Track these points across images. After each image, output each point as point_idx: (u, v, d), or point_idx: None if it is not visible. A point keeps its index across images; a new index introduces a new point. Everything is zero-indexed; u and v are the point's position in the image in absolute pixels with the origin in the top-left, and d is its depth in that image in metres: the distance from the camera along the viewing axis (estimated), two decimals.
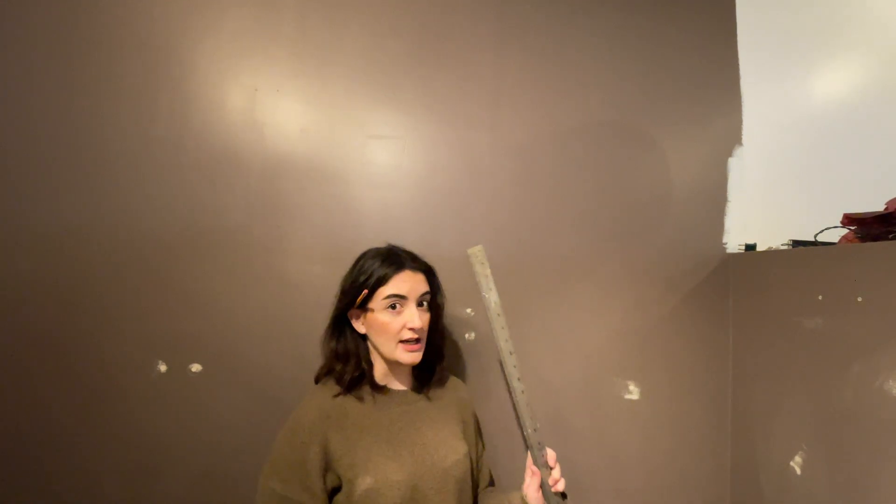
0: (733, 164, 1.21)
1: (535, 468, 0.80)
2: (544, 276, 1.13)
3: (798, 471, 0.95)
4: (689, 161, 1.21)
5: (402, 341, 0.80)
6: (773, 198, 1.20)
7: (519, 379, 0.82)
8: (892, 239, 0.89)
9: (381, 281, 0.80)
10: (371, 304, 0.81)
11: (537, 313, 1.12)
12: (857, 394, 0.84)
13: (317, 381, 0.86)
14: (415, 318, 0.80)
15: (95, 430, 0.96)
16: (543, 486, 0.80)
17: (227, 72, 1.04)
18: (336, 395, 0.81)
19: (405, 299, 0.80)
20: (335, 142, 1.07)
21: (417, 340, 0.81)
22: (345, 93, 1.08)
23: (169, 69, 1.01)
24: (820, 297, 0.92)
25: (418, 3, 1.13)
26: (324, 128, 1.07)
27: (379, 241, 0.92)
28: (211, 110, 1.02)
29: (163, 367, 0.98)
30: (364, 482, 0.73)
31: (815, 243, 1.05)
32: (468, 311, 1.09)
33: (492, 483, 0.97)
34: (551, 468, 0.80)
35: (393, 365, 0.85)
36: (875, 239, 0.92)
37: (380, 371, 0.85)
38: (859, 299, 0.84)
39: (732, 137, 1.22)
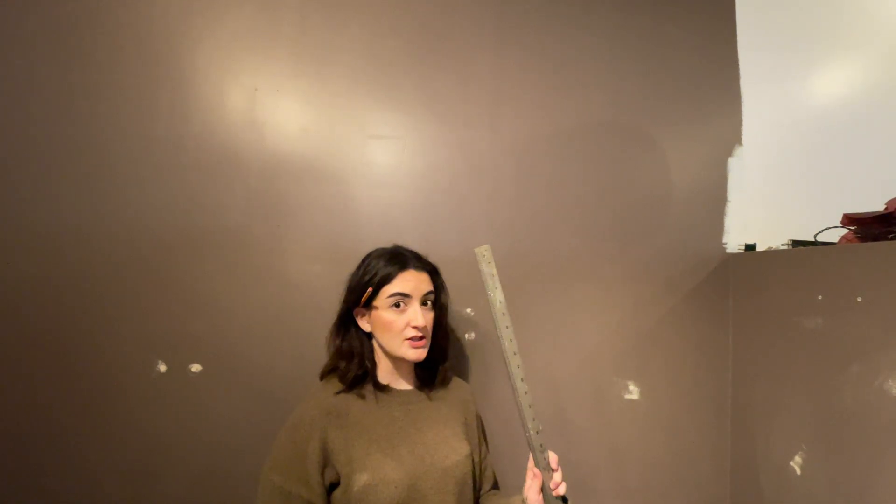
0: (733, 164, 1.21)
1: (536, 470, 0.80)
2: (544, 275, 1.13)
3: (798, 471, 0.95)
4: (689, 161, 1.21)
5: (407, 338, 0.81)
6: (773, 198, 1.20)
7: (522, 380, 0.82)
8: (892, 239, 0.89)
9: (386, 279, 0.81)
10: (376, 303, 0.82)
11: (537, 313, 1.12)
12: (857, 394, 0.84)
13: (321, 378, 0.88)
14: (418, 317, 0.81)
15: (95, 430, 0.96)
16: (545, 489, 0.80)
17: (227, 72, 1.04)
18: (338, 393, 0.82)
19: (409, 298, 0.82)
20: (335, 142, 1.07)
21: (422, 338, 0.82)
22: (345, 93, 1.08)
23: (169, 69, 1.01)
24: (820, 297, 0.92)
25: (418, 3, 1.13)
26: (324, 128, 1.07)
27: (379, 241, 0.92)
28: (211, 110, 1.02)
29: (163, 367, 0.98)
30: (361, 478, 0.74)
31: (815, 243, 1.05)
32: (468, 310, 1.09)
33: (496, 486, 0.97)
34: (553, 471, 0.80)
35: (397, 364, 0.86)
36: (875, 239, 0.92)
37: (383, 370, 0.86)
38: (859, 299, 0.84)
39: (732, 137, 1.22)
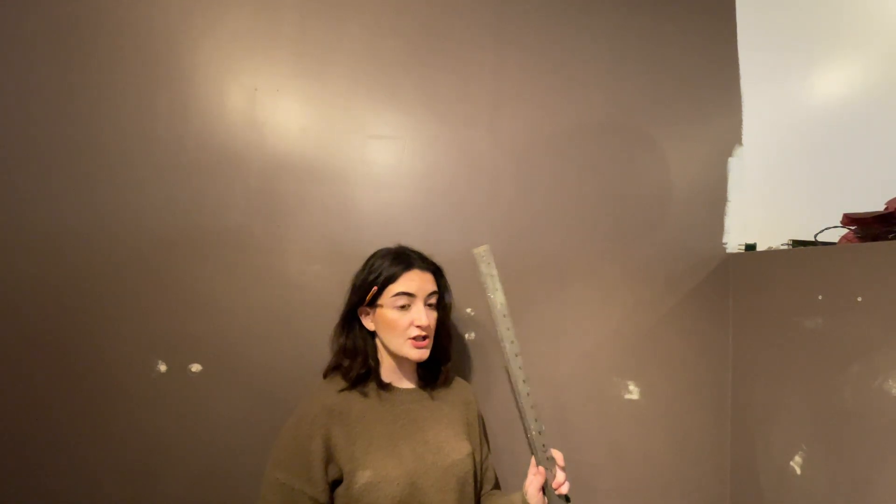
0: (733, 164, 1.21)
1: (540, 468, 0.81)
2: (544, 275, 1.13)
3: (798, 470, 0.95)
4: (689, 161, 1.21)
5: (410, 338, 0.82)
6: (773, 198, 1.20)
7: (525, 381, 0.82)
8: (892, 239, 0.89)
9: (391, 279, 0.82)
10: (380, 302, 0.83)
11: (537, 313, 1.12)
12: (857, 394, 0.84)
13: (325, 376, 0.88)
14: (422, 316, 0.81)
15: (95, 430, 0.96)
16: (547, 487, 0.80)
17: (227, 72, 1.04)
18: (341, 391, 0.82)
19: (413, 297, 0.82)
20: (335, 142, 1.07)
21: (425, 338, 0.83)
22: (345, 93, 1.08)
23: (169, 69, 1.01)
24: (820, 297, 0.92)
25: (418, 3, 1.12)
26: (324, 128, 1.07)
27: (379, 241, 0.92)
28: (211, 110, 1.02)
29: (163, 367, 0.98)
30: (363, 476, 0.74)
31: (815, 243, 1.05)
32: (468, 310, 1.09)
33: (497, 486, 0.97)
34: (558, 468, 0.80)
35: (400, 363, 0.86)
36: (875, 239, 0.92)
37: (386, 369, 0.86)
38: (859, 299, 0.84)
39: (732, 137, 1.22)
